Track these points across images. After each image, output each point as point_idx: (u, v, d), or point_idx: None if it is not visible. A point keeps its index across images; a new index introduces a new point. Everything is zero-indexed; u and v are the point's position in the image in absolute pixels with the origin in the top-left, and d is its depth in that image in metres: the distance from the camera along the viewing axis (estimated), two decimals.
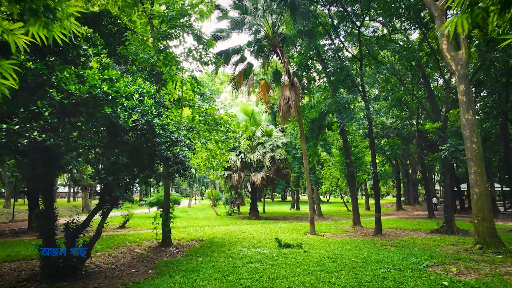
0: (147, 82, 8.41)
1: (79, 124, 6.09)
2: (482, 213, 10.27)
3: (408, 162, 33.76)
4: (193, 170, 17.34)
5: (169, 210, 11.40)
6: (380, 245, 11.47)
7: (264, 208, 29.70)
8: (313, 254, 9.42)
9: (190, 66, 11.38)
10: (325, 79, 18.78)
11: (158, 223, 11.56)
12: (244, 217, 24.12)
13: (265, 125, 23.79)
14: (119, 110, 6.19)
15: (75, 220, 7.44)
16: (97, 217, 7.69)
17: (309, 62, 18.96)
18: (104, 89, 5.03)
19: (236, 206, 25.19)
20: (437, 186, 55.23)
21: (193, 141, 11.47)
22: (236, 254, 9.50)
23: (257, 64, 17.54)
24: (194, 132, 10.40)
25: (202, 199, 70.37)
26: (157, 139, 7.42)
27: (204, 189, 66.67)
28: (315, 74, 20.28)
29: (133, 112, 6.86)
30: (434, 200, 29.57)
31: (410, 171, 38.56)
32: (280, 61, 15.08)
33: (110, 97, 5.17)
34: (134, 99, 7.16)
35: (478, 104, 20.90)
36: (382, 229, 15.65)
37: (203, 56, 11.35)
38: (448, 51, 11.60)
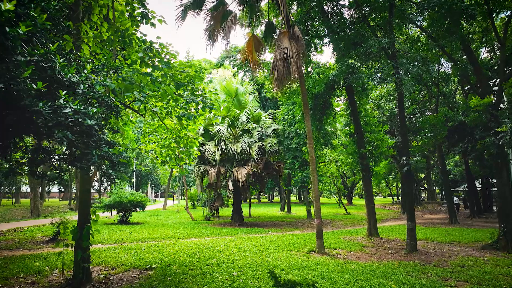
0: None
1: None
2: None
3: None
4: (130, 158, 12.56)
5: (87, 221, 6.62)
6: (435, 277, 7.10)
7: (249, 211, 25.07)
8: None
9: None
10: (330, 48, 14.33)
11: (69, 245, 6.74)
12: (225, 222, 19.44)
13: (251, 109, 19.20)
14: None
15: None
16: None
17: (310, 23, 14.50)
18: None
19: (215, 209, 20.47)
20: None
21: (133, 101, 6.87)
22: None
23: (241, 34, 12.93)
24: (125, 81, 5.68)
25: (183, 199, 65.16)
26: None
27: (188, 189, 61.35)
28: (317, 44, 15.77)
29: None
30: (456, 200, 25.64)
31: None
32: (274, 1, 10.53)
33: None
34: None
35: None
36: (401, 241, 11.49)
37: None
38: None
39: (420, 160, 18.34)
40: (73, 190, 53.60)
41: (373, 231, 13.12)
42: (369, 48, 9.45)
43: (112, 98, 4.87)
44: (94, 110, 4.30)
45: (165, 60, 6.68)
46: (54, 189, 60.57)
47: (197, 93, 8.16)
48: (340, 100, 20.16)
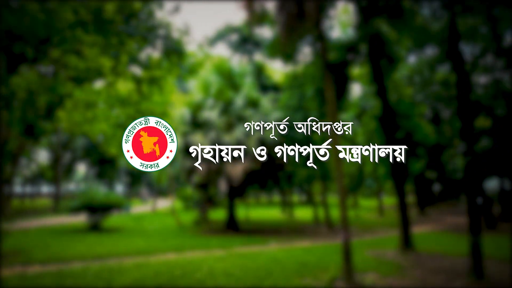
0: None
1: None
2: None
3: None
4: None
5: None
6: None
7: (246, 214, 21.88)
8: None
9: None
10: None
11: None
12: (217, 228, 16.27)
13: (249, 92, 16.06)
14: None
15: None
16: None
17: None
18: None
19: (206, 213, 17.35)
20: None
21: None
22: None
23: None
24: None
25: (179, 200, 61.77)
26: None
27: (180, 188, 57.75)
28: None
29: None
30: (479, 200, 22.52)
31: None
32: None
33: None
34: None
35: None
36: (447, 257, 8.45)
37: None
38: None
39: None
40: (71, 187, 50.30)
41: (408, 244, 10.02)
42: None
43: None
44: None
45: None
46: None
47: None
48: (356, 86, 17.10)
